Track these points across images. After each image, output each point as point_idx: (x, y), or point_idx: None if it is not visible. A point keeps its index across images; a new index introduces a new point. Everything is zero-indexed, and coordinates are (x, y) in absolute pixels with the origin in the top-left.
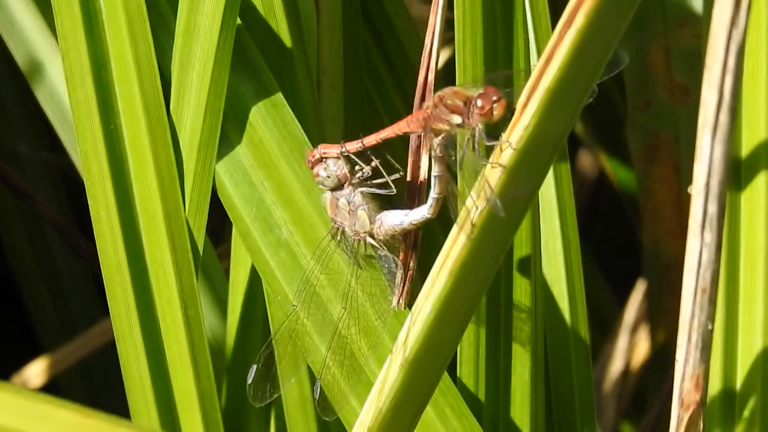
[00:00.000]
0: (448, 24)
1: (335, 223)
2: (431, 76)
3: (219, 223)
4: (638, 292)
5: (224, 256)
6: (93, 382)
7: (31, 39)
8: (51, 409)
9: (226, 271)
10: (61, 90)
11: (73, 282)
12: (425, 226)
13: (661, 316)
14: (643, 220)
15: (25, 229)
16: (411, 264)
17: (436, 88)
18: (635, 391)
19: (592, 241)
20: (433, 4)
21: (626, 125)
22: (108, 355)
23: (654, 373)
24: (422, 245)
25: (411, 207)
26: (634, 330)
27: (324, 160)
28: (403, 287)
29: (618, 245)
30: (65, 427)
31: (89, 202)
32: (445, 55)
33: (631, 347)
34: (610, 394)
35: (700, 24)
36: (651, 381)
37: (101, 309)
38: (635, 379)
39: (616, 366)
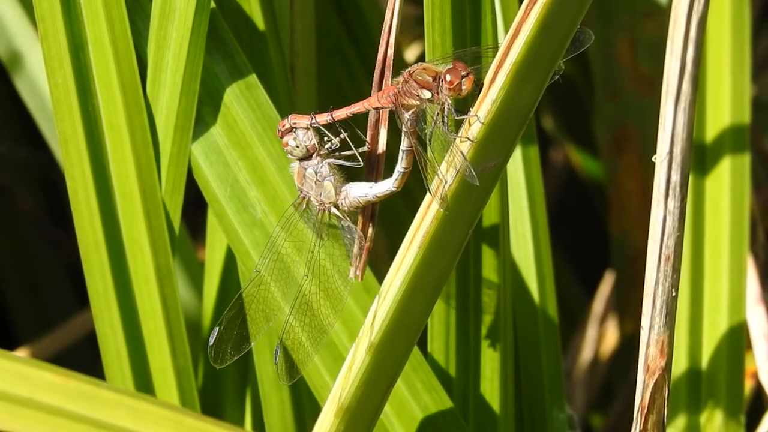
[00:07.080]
0: (420, 20)
1: (301, 192)
2: (390, 52)
3: (196, 219)
4: (606, 283)
5: (200, 247)
6: None
7: (11, 30)
8: (33, 370)
9: (202, 264)
10: (41, 80)
11: (48, 276)
12: (389, 201)
13: (629, 307)
14: (610, 212)
15: (1, 224)
16: (368, 234)
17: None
18: (604, 380)
19: (561, 233)
20: None
21: (594, 117)
22: (84, 349)
23: (622, 363)
24: (389, 223)
25: (370, 179)
26: (602, 321)
27: (294, 130)
28: (360, 258)
29: (586, 238)
30: (45, 388)
31: (67, 183)
32: (416, 50)
33: (599, 338)
34: (579, 383)
35: (666, 15)
36: (619, 370)
37: (76, 302)
38: (604, 368)
39: (584, 356)
